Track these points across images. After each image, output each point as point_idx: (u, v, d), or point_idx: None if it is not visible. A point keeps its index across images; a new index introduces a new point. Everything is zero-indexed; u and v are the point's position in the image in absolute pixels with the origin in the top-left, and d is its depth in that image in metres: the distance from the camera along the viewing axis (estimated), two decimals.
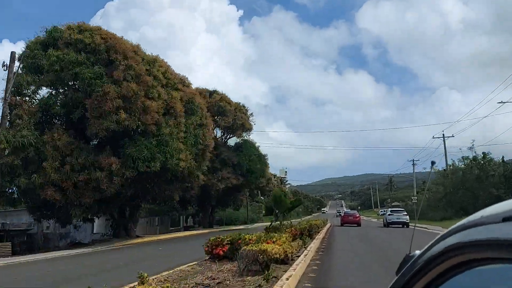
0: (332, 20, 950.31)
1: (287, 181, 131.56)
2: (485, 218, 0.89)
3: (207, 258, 11.16)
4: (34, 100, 24.63)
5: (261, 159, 46.36)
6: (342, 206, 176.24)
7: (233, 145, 47.21)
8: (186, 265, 10.26)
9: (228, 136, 47.35)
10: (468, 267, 0.92)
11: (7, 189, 24.24)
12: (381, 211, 74.06)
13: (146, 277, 7.47)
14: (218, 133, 47.74)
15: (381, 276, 9.12)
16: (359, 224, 40.34)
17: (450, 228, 0.99)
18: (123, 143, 23.45)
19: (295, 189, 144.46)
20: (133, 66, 23.68)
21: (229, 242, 11.01)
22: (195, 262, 10.76)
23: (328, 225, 35.82)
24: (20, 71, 24.56)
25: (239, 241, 10.90)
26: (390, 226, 36.54)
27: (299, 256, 11.85)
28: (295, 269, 9.37)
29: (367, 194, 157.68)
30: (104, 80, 22.91)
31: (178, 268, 9.41)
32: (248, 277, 7.97)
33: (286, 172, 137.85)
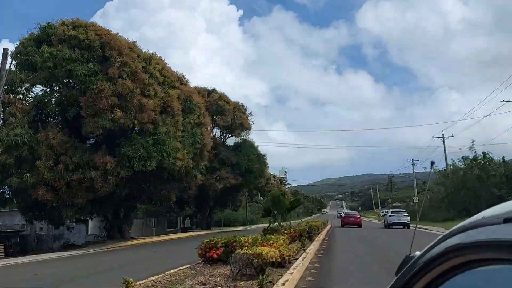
0: (332, 20, 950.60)
1: (286, 181, 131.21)
2: (486, 219, 0.88)
3: (200, 261, 10.61)
4: (28, 98, 24.06)
5: (260, 159, 45.78)
6: (342, 206, 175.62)
7: (232, 144, 46.67)
8: (178, 269, 9.71)
9: (227, 136, 46.82)
10: (468, 268, 0.92)
11: None
12: (382, 212, 73.39)
13: (132, 283, 6.92)
14: (217, 132, 47.25)
15: (382, 277, 8.69)
16: (359, 225, 40.14)
17: (451, 229, 0.99)
18: (119, 142, 22.89)
19: (295, 189, 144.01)
20: (128, 63, 23.13)
21: (223, 244, 10.47)
22: (188, 266, 10.22)
23: (328, 227, 35.30)
24: (13, 68, 24.07)
25: (234, 244, 10.36)
26: (391, 227, 36.24)
27: (297, 259, 11.32)
28: (292, 273, 8.83)
29: (367, 195, 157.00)
30: (99, 77, 22.37)
31: (168, 272, 8.86)
32: (242, 282, 7.43)
33: (286, 172, 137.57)
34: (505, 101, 37.91)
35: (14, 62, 24.01)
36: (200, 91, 41.72)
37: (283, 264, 9.56)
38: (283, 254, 9.35)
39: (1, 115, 22.45)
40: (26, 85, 23.96)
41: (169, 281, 7.90)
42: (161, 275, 8.72)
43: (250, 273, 7.77)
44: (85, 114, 21.76)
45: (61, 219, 23.31)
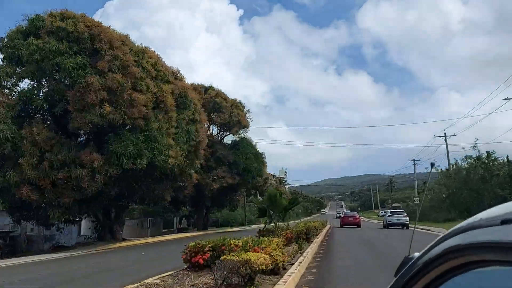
0: (332, 20, 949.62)
1: (286, 181, 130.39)
2: (484, 220, 0.89)
3: (185, 267, 9.55)
4: (14, 93, 22.96)
5: (258, 158, 44.66)
6: (342, 207, 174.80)
7: (229, 143, 45.60)
8: (158, 276, 8.66)
9: (224, 134, 45.70)
10: (466, 269, 0.92)
11: None
12: (382, 212, 72.55)
13: None
14: (214, 130, 46.18)
15: (385, 283, 7.72)
16: (359, 226, 40.25)
17: (449, 230, 0.99)
18: (108, 139, 21.82)
19: (294, 189, 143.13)
20: (119, 56, 22.04)
21: (211, 248, 9.41)
22: (170, 273, 9.16)
23: (327, 227, 34.53)
24: (0, 62, 23.06)
25: (223, 248, 9.32)
26: (390, 227, 36.44)
27: (293, 264, 10.29)
28: (286, 281, 7.80)
29: (367, 195, 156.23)
30: (88, 70, 21.28)
31: (146, 281, 7.82)
32: None
33: (285, 172, 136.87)
34: (510, 98, 36.89)
35: (0, 56, 23.00)
36: (197, 87, 40.65)
37: (276, 271, 8.52)
38: (276, 260, 8.31)
39: None
40: (13, 80, 22.83)
41: None
42: (136, 285, 7.67)
43: (237, 282, 6.74)
44: (73, 109, 20.68)
45: (48, 219, 22.15)
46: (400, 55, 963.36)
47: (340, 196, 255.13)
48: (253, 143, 45.42)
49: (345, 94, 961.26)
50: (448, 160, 51.10)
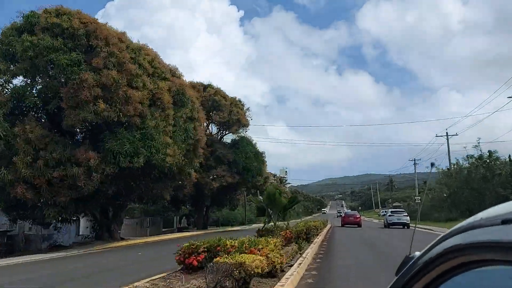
0: (332, 21, 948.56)
1: (286, 180, 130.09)
2: (484, 220, 0.89)
3: (179, 269, 9.14)
4: (6, 90, 22.53)
5: (258, 157, 44.20)
6: (342, 206, 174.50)
7: (229, 142, 45.18)
8: (148, 280, 8.24)
9: (224, 133, 45.25)
10: (467, 269, 0.92)
11: None
12: (382, 212, 72.15)
13: None
14: (214, 129, 45.76)
15: (386, 283, 7.34)
16: (359, 225, 40.14)
17: (450, 230, 0.99)
18: (103, 137, 21.40)
19: (295, 188, 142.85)
20: (115, 53, 21.62)
21: (205, 249, 8.99)
22: (163, 275, 8.74)
23: (328, 226, 34.15)
24: None
25: (218, 248, 8.89)
26: (391, 227, 36.41)
27: (292, 266, 9.88)
28: (283, 284, 7.39)
29: (367, 195, 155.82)
30: (82, 67, 20.86)
31: (134, 284, 7.39)
32: None
33: (286, 172, 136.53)
34: None
35: None
36: (196, 85, 40.24)
37: (274, 274, 8.11)
38: (274, 262, 7.90)
39: None
40: (6, 77, 22.40)
41: None
42: None
43: (230, 286, 6.31)
44: (66, 106, 20.25)
45: (44, 218, 21.74)
46: (400, 55, 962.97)
47: (341, 195, 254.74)
48: (253, 142, 45.02)
49: (345, 94, 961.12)
50: (449, 159, 50.66)
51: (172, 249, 10.03)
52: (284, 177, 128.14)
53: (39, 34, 21.52)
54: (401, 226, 36.15)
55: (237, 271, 6.06)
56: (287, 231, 15.56)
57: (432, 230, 28.91)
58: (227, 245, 8.95)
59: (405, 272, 1.10)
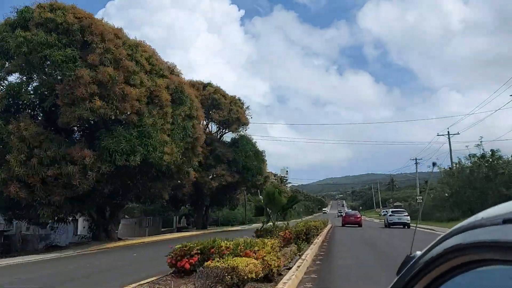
0: (333, 20, 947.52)
1: (287, 180, 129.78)
2: (485, 220, 0.88)
3: (171, 272, 8.69)
4: (1, 87, 22.09)
5: (258, 156, 43.72)
6: (343, 206, 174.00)
7: (228, 141, 44.72)
8: (135, 285, 7.78)
9: (224, 131, 44.79)
10: (468, 268, 0.92)
11: None
12: (383, 212, 71.71)
13: None
14: (213, 128, 45.31)
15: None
16: (360, 225, 40.07)
17: (450, 229, 0.99)
18: (99, 135, 20.96)
19: (296, 188, 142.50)
20: (111, 49, 21.15)
21: (199, 251, 8.54)
22: (152, 279, 8.29)
23: (328, 226, 33.73)
24: None
25: (212, 250, 8.45)
26: (391, 226, 36.43)
27: (290, 268, 9.42)
28: None
29: (368, 194, 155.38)
30: (78, 64, 20.40)
31: None
32: None
33: (287, 171, 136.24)
34: None
35: None
36: (195, 84, 39.81)
37: (270, 278, 7.65)
38: (271, 265, 7.44)
39: None
40: (1, 73, 21.96)
41: None
42: None
43: None
44: (61, 103, 19.80)
45: (39, 218, 21.28)
46: (400, 55, 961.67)
47: (342, 195, 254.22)
48: (253, 141, 44.54)
49: (345, 94, 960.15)
50: (451, 158, 50.12)
51: (168, 250, 9.58)
52: (285, 176, 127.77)
53: (33, 29, 21.06)
54: (402, 226, 36.17)
55: (229, 276, 5.61)
56: (286, 231, 15.12)
57: (433, 230, 28.49)
58: (221, 246, 8.51)
59: (406, 272, 1.10)
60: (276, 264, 7.69)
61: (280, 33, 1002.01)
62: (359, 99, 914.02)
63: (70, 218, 26.42)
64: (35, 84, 22.91)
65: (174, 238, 29.81)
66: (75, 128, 24.25)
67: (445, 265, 0.96)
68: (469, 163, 44.85)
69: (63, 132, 21.25)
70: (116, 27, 24.33)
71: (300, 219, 50.57)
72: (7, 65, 22.20)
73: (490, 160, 41.70)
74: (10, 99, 21.55)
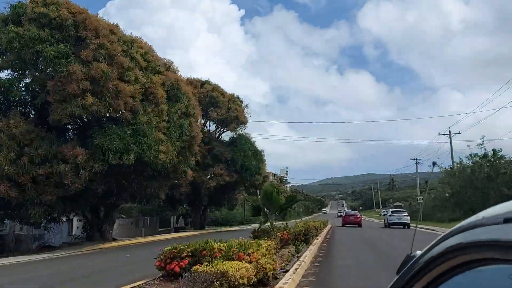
0: (333, 20, 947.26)
1: (287, 180, 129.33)
2: (486, 219, 0.89)
3: (159, 276, 8.13)
4: None
5: (257, 155, 43.09)
6: (343, 206, 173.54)
7: (227, 140, 44.10)
8: None
9: (222, 130, 44.17)
10: (468, 268, 0.92)
11: None
12: (383, 212, 71.22)
13: None
14: (212, 127, 44.72)
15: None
16: (360, 225, 39.89)
17: (451, 229, 0.99)
18: (92, 132, 20.38)
19: (295, 188, 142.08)
20: (105, 45, 20.57)
21: (189, 253, 7.99)
22: (139, 283, 7.73)
23: (328, 227, 33.24)
24: None
25: (204, 253, 7.90)
26: (391, 227, 36.42)
27: (287, 271, 8.87)
28: None
29: (368, 194, 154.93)
30: (71, 59, 19.82)
31: None
32: None
33: (287, 171, 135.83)
34: None
35: None
36: (193, 81, 39.23)
37: (265, 282, 7.10)
38: (265, 269, 6.89)
39: None
40: None
41: None
42: None
43: None
44: (53, 99, 19.20)
45: (29, 218, 20.69)
46: (401, 55, 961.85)
47: (341, 195, 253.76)
48: (252, 140, 43.92)
49: (346, 94, 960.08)
50: (452, 158, 49.60)
51: (161, 250, 9.01)
52: (284, 176, 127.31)
53: (25, 25, 20.51)
54: (402, 226, 36.14)
55: (218, 282, 5.06)
56: (284, 232, 14.61)
57: (434, 230, 28.00)
58: (214, 248, 7.96)
59: (406, 271, 1.09)
60: (271, 268, 7.14)
61: (280, 33, 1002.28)
62: (359, 99, 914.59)
63: (64, 218, 25.86)
64: (27, 80, 22.33)
65: (171, 238, 29.24)
66: (69, 126, 23.72)
67: (446, 264, 0.95)
68: (470, 163, 44.37)
69: (55, 130, 20.65)
70: (112, 23, 23.78)
71: (299, 219, 50.03)
72: None
73: (492, 159, 41.18)
74: (1, 96, 20.98)
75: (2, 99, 21.04)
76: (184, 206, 48.22)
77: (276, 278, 7.79)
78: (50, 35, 20.18)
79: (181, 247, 8.15)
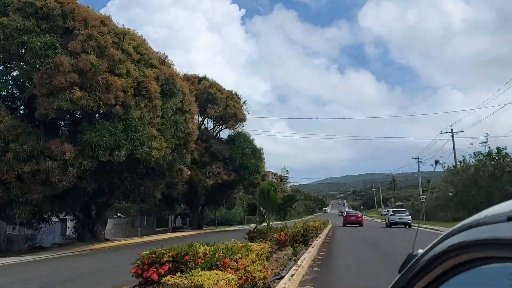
0: (333, 19, 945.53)
1: (287, 179, 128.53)
2: (489, 217, 0.88)
3: (136, 284, 7.18)
4: None
5: (256, 153, 42.10)
6: (344, 205, 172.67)
7: (225, 137, 43.13)
8: None
9: (220, 128, 43.18)
10: (471, 266, 0.92)
11: None
12: (385, 211, 70.29)
13: None
14: (209, 124, 43.75)
15: None
16: (361, 225, 39.45)
17: (454, 227, 0.98)
18: (81, 128, 19.43)
19: (296, 188, 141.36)
20: (94, 36, 19.62)
21: (170, 258, 7.02)
22: None
23: (329, 227, 32.26)
24: None
25: (186, 258, 6.93)
26: (393, 226, 36.24)
27: (282, 278, 7.91)
28: None
29: (369, 194, 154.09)
30: (58, 51, 18.88)
31: None
32: None
33: (287, 171, 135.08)
34: None
35: None
36: (190, 78, 38.30)
37: None
38: (255, 277, 5.94)
39: None
40: None
41: None
42: None
43: None
44: (39, 93, 18.26)
45: (14, 218, 19.74)
46: (401, 54, 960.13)
47: (342, 194, 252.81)
48: (251, 138, 42.92)
49: (346, 93, 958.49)
50: (455, 157, 48.56)
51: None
52: (285, 176, 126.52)
53: (11, 15, 19.56)
54: (403, 226, 35.97)
55: None
56: (281, 233, 13.64)
57: (438, 230, 27.06)
58: (198, 253, 6.99)
59: (408, 270, 1.08)
60: (261, 276, 6.18)
61: (281, 32, 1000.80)
62: (360, 98, 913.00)
63: (57, 218, 24.89)
64: (14, 74, 21.40)
65: (167, 238, 28.29)
66: (61, 122, 22.81)
67: (448, 262, 0.94)
68: (474, 161, 43.42)
69: (43, 126, 19.70)
70: (104, 14, 22.84)
71: (300, 219, 49.10)
72: None
73: (496, 158, 40.22)
74: None
75: None
76: (182, 205, 47.28)
77: (269, 287, 6.83)
78: (36, 25, 19.24)
79: (161, 251, 7.17)
